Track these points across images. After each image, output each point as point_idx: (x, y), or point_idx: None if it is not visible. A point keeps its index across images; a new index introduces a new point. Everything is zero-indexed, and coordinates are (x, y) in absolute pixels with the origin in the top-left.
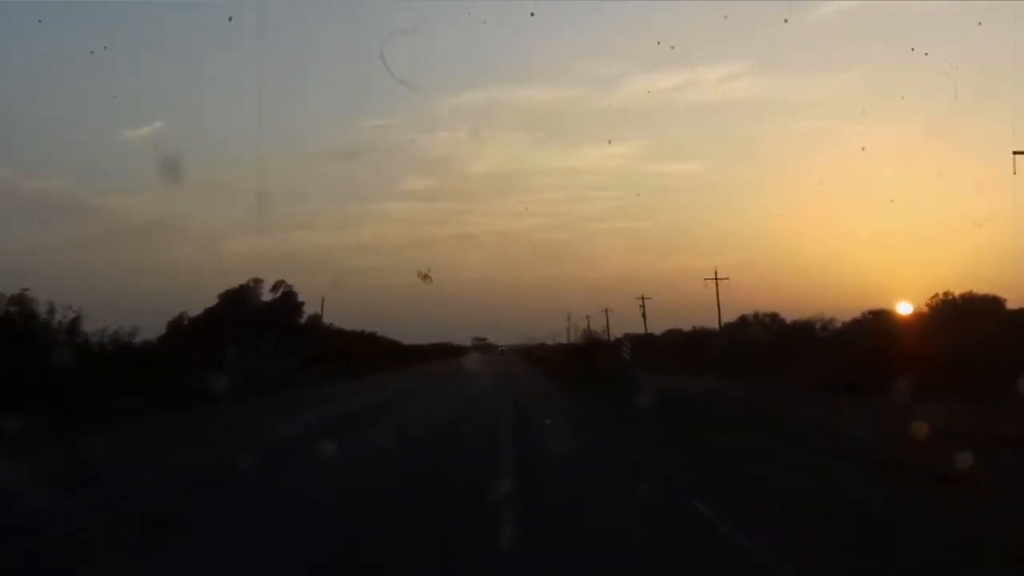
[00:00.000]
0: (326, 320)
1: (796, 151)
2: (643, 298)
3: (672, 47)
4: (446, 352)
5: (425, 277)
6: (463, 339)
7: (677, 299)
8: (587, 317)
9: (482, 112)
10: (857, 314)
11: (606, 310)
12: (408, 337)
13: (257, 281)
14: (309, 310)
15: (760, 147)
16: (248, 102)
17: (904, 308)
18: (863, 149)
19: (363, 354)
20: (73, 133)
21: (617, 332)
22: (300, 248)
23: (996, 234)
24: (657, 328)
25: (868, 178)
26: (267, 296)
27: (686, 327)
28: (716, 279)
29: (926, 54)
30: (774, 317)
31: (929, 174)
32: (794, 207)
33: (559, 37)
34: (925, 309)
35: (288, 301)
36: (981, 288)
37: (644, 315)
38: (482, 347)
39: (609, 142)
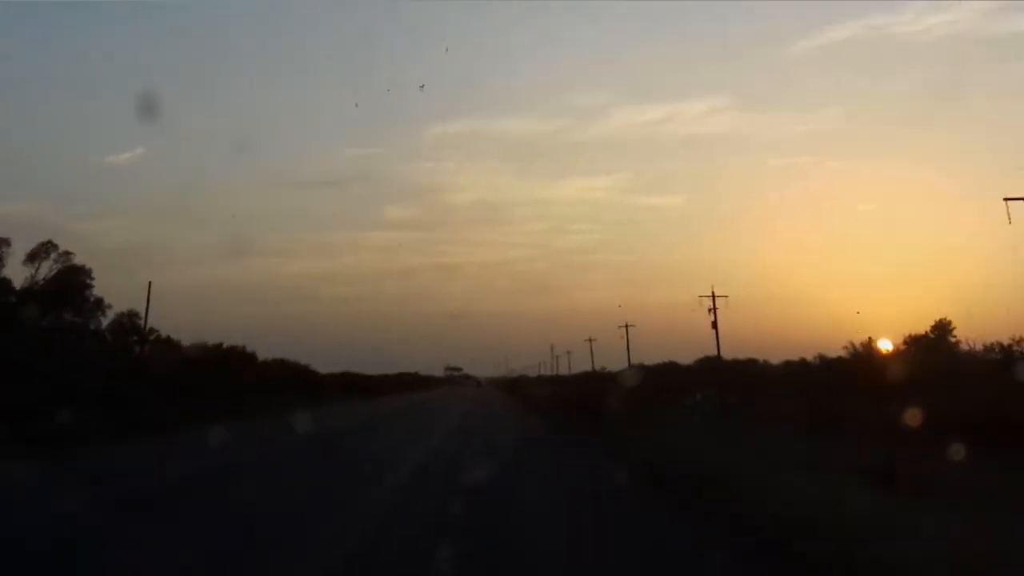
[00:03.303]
0: (162, 327)
1: (775, 185)
2: (713, 297)
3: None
4: (407, 384)
5: None
6: (438, 370)
7: (659, 331)
8: (589, 339)
9: (465, 143)
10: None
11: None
12: (379, 367)
13: (3, 243)
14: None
15: (740, 180)
16: (231, 131)
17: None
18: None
19: (212, 385)
20: (54, 158)
21: (607, 364)
22: (276, 275)
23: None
24: (647, 360)
25: (848, 213)
26: (22, 272)
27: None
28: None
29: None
30: None
31: (912, 209)
32: (775, 240)
33: (542, 69)
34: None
35: (65, 284)
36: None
37: (715, 318)
38: (457, 379)
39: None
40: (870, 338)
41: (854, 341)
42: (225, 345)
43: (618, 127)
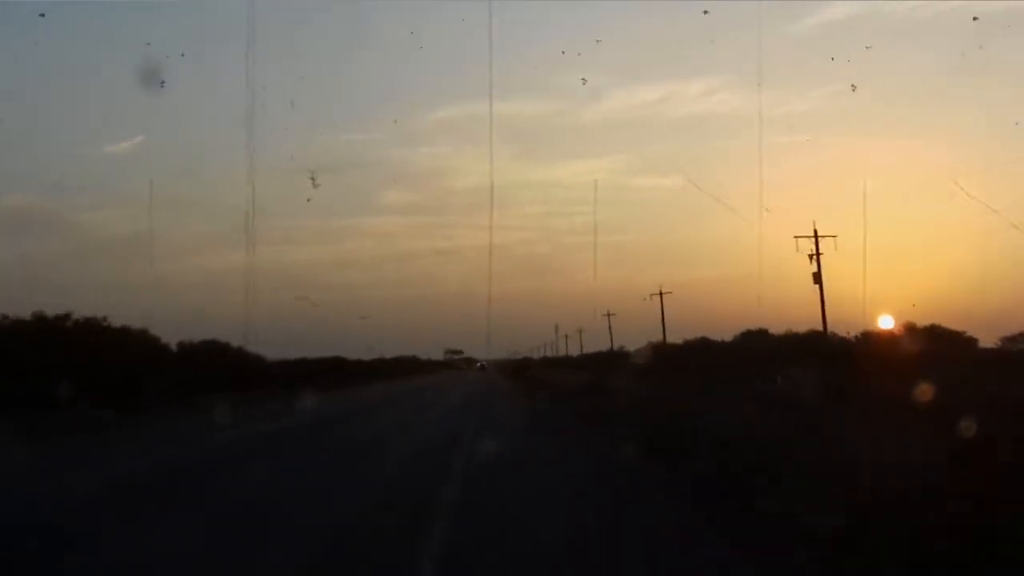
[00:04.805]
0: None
1: (776, 165)
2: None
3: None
4: (402, 368)
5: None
6: (437, 354)
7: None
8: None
9: (463, 126)
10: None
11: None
12: (378, 352)
13: None
14: None
15: (741, 159)
16: (227, 117)
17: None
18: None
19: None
20: (53, 147)
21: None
22: (279, 264)
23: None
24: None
25: (849, 192)
26: None
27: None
28: None
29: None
30: None
31: (911, 189)
32: (773, 222)
33: (538, 51)
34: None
35: None
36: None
37: (818, 267)
38: (457, 362)
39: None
40: None
41: None
42: (80, 317)
43: (616, 108)
